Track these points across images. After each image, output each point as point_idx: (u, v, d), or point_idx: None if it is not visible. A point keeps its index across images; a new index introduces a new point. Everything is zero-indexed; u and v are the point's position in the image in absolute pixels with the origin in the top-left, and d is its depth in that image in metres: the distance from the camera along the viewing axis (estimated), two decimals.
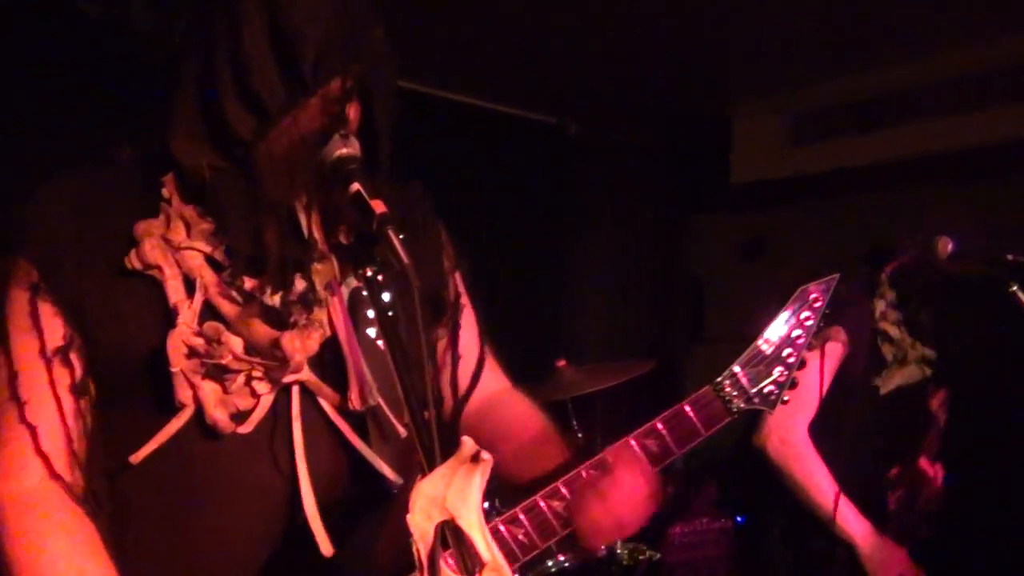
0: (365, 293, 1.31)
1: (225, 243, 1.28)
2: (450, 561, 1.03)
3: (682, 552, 3.86)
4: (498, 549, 1.06)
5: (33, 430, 1.24)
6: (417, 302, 1.11)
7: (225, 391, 1.25)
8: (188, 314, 1.24)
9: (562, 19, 4.09)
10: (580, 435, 3.50)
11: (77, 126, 3.26)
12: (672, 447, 1.46)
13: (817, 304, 1.55)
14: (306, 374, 1.29)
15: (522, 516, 1.41)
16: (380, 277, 1.21)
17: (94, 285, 1.27)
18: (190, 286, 1.26)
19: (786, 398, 1.52)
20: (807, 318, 1.54)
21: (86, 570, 1.22)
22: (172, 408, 1.25)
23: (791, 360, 1.52)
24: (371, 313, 1.33)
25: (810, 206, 5.29)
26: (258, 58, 1.23)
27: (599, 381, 3.38)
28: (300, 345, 1.26)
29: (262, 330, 1.25)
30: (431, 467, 1.05)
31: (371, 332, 1.33)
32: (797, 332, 1.53)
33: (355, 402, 1.30)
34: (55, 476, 1.24)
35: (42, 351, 1.25)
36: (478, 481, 1.03)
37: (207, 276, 1.26)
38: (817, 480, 2.39)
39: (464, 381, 1.55)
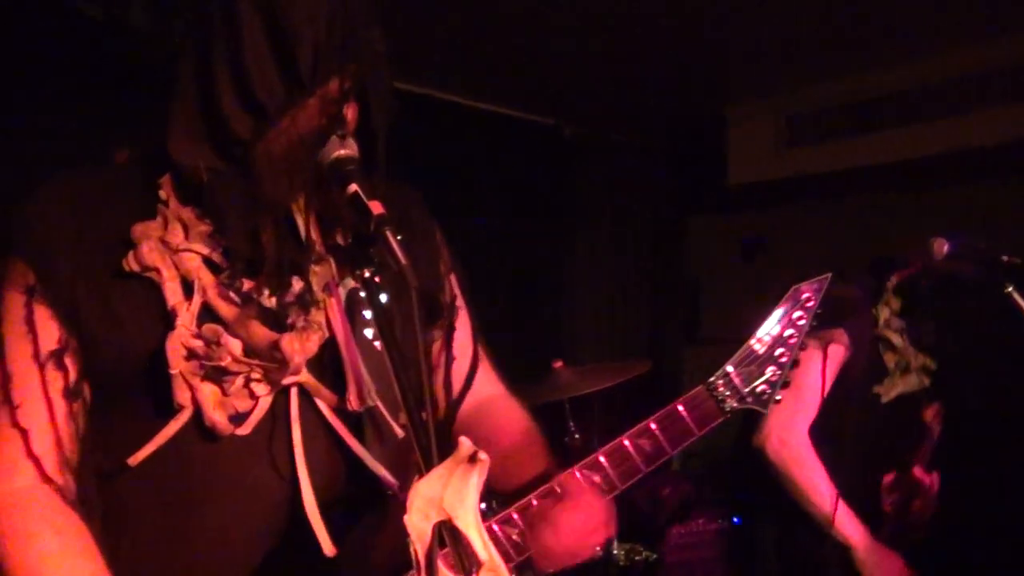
0: (363, 294, 1.32)
1: (223, 245, 1.28)
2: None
3: (679, 553, 3.87)
4: (495, 549, 1.06)
5: (25, 433, 1.24)
6: (415, 302, 1.12)
7: (224, 393, 1.26)
8: (186, 316, 1.24)
9: (560, 20, 4.09)
10: (577, 436, 3.51)
11: (76, 126, 3.27)
12: (665, 447, 1.47)
13: (809, 304, 1.55)
14: (304, 376, 1.29)
15: None
16: (378, 278, 1.22)
17: (91, 287, 1.27)
18: (188, 288, 1.26)
19: (778, 397, 1.52)
20: (799, 318, 1.54)
21: (77, 567, 1.23)
22: (170, 410, 1.25)
23: (783, 359, 1.53)
24: (368, 314, 1.33)
25: (808, 207, 5.29)
26: (257, 58, 1.23)
27: (596, 382, 3.39)
28: (299, 347, 1.26)
29: (261, 332, 1.25)
30: (428, 467, 1.06)
31: (368, 333, 1.33)
32: (789, 331, 1.54)
33: (353, 403, 1.31)
34: (46, 479, 1.25)
35: (35, 355, 1.26)
36: (475, 481, 1.03)
37: (205, 278, 1.27)
38: (815, 482, 2.38)
39: (458, 383, 1.55)
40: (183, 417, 1.25)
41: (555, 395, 3.41)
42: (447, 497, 1.02)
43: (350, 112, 1.32)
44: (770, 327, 1.54)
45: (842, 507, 2.37)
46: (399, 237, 1.13)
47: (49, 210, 1.29)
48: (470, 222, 4.82)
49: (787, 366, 1.52)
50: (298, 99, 1.25)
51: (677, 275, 6.08)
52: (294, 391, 1.30)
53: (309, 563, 1.28)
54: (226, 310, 1.26)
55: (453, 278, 1.59)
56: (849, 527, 2.37)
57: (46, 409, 1.25)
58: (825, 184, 5.12)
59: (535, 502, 1.40)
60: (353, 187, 1.18)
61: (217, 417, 1.24)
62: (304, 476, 1.27)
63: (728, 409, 1.50)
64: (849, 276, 2.58)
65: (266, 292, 1.28)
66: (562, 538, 1.37)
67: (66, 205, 1.30)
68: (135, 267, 1.26)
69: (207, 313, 1.26)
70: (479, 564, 1.02)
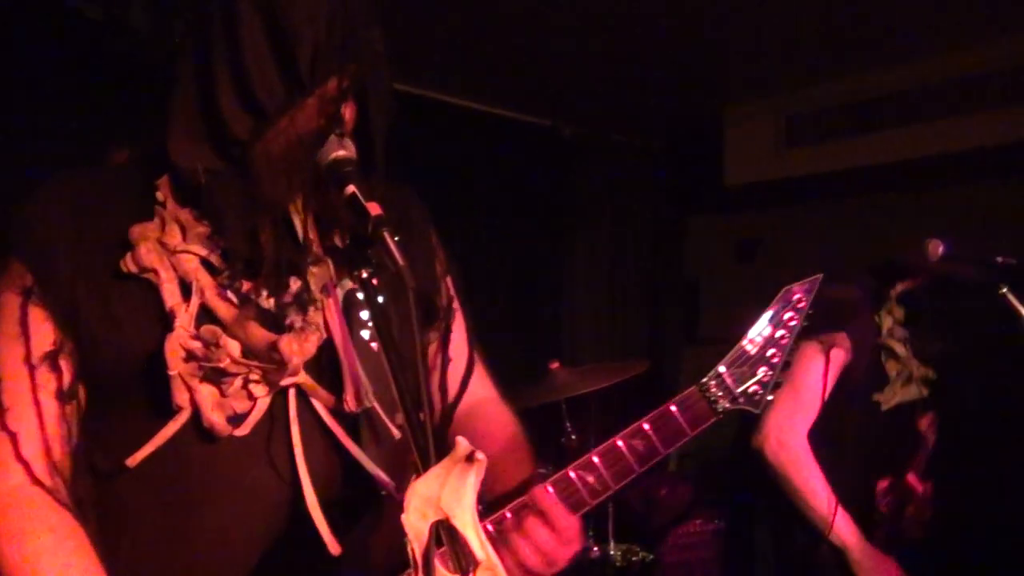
0: (360, 295, 1.32)
1: (221, 246, 1.28)
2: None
3: (676, 553, 3.88)
4: (492, 548, 1.07)
5: (14, 437, 1.24)
6: (412, 303, 1.12)
7: (222, 394, 1.26)
8: (185, 317, 1.24)
9: (558, 21, 4.09)
10: (574, 436, 3.51)
11: (76, 127, 3.27)
12: (658, 447, 1.47)
13: (800, 305, 1.56)
14: (302, 377, 1.29)
15: None
16: (375, 280, 1.22)
17: (89, 288, 1.27)
18: (186, 289, 1.26)
19: (770, 397, 1.52)
20: (791, 319, 1.55)
21: (71, 564, 1.22)
22: (169, 411, 1.25)
23: (775, 360, 1.53)
24: (365, 315, 1.33)
25: (805, 208, 5.30)
26: (256, 58, 1.23)
27: (593, 382, 3.39)
28: (297, 348, 1.26)
29: (259, 333, 1.26)
30: (426, 467, 1.06)
31: (365, 335, 1.34)
32: (781, 332, 1.54)
33: (351, 404, 1.31)
34: (36, 482, 1.25)
35: (26, 358, 1.26)
36: (472, 481, 1.04)
37: (203, 279, 1.27)
38: (813, 484, 2.39)
39: (453, 386, 1.55)
40: (181, 418, 1.25)
41: (552, 396, 3.41)
42: (444, 496, 1.02)
43: (348, 112, 1.32)
44: (761, 328, 1.54)
45: (839, 509, 2.38)
46: (396, 238, 1.14)
47: (47, 211, 1.29)
48: (468, 222, 4.83)
49: (779, 367, 1.52)
50: (297, 98, 1.25)
51: (676, 275, 6.08)
52: (292, 392, 1.30)
53: (308, 563, 1.28)
54: (224, 311, 1.26)
55: (449, 280, 1.59)
56: (845, 530, 2.38)
57: (35, 413, 1.25)
58: (824, 184, 5.12)
59: (509, 515, 1.40)
60: (351, 188, 1.19)
61: (215, 418, 1.25)
62: (305, 477, 1.27)
63: (721, 410, 1.50)
64: (849, 276, 2.59)
65: (264, 293, 1.28)
66: (531, 553, 1.36)
67: (64, 206, 1.30)
68: (133, 268, 1.26)
69: (205, 314, 1.26)
70: (476, 563, 1.02)
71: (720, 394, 1.51)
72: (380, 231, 1.14)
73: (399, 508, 1.05)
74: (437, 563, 1.02)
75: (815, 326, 2.36)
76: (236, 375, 1.26)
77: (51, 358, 1.26)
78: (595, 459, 1.45)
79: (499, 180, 5.16)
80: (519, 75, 4.77)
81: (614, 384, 3.39)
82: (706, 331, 5.80)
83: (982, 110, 4.42)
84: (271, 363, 1.26)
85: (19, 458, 1.24)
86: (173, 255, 1.27)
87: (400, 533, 1.04)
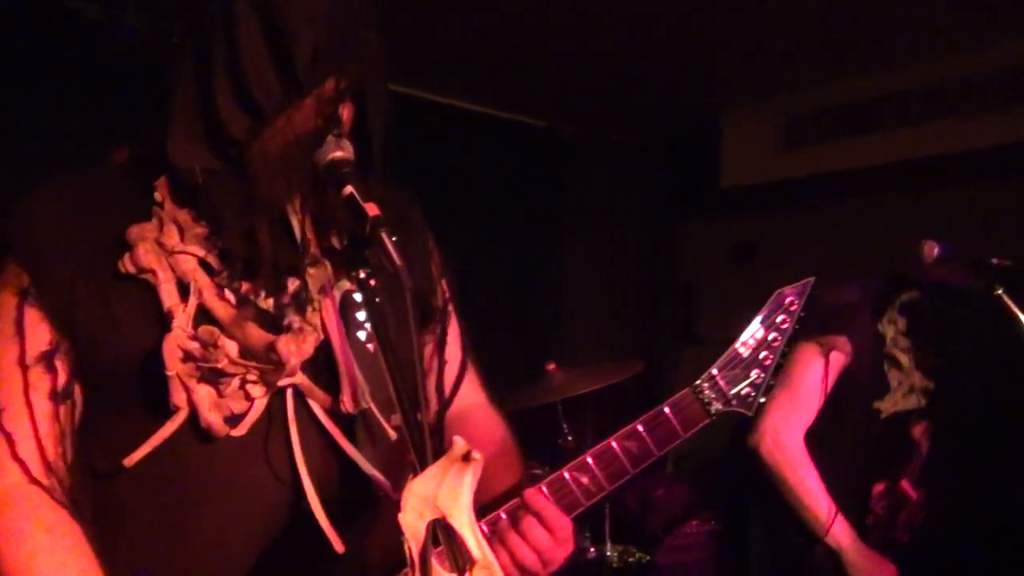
0: (357, 296, 1.33)
1: (218, 247, 1.28)
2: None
3: (672, 555, 3.88)
4: (489, 547, 1.07)
5: (10, 437, 1.24)
6: (410, 303, 1.12)
7: (219, 394, 1.26)
8: (183, 318, 1.24)
9: (556, 23, 4.10)
10: (570, 437, 3.52)
11: (74, 127, 3.27)
12: (652, 448, 1.47)
13: (793, 308, 1.57)
14: (300, 377, 1.30)
15: None
16: (373, 280, 1.22)
17: (87, 289, 1.27)
18: (184, 290, 1.26)
19: (762, 399, 1.53)
20: (783, 321, 1.56)
21: (67, 563, 1.22)
22: (166, 411, 1.25)
23: (767, 363, 1.54)
24: (362, 317, 1.34)
25: (803, 209, 5.30)
26: (253, 57, 1.24)
27: (588, 383, 3.39)
28: (295, 348, 1.26)
29: (257, 334, 1.26)
30: (423, 467, 1.07)
31: (361, 336, 1.34)
32: (773, 335, 1.55)
33: (347, 405, 1.31)
34: (33, 482, 1.25)
35: (20, 358, 1.26)
36: (469, 480, 1.04)
37: (201, 280, 1.27)
38: (808, 485, 2.39)
39: (447, 388, 1.56)
40: (179, 418, 1.25)
41: (548, 397, 3.42)
42: (441, 496, 1.03)
43: (346, 112, 1.32)
44: (754, 330, 1.55)
45: (834, 510, 2.38)
46: (394, 239, 1.14)
47: (44, 211, 1.30)
48: (466, 223, 4.82)
49: (771, 369, 1.54)
50: (294, 99, 1.25)
51: (673, 277, 6.09)
52: (290, 392, 1.30)
53: (305, 563, 1.29)
54: (222, 312, 1.26)
55: (445, 283, 1.59)
56: (840, 530, 2.38)
57: (27, 413, 1.25)
58: (821, 186, 5.12)
59: (503, 516, 1.40)
60: (349, 189, 1.19)
61: (213, 418, 1.25)
62: (306, 477, 1.28)
63: (714, 412, 1.51)
64: (848, 279, 2.60)
65: (262, 294, 1.28)
66: (527, 553, 1.37)
67: (62, 206, 1.30)
68: (131, 269, 1.26)
69: (203, 315, 1.26)
70: (473, 562, 1.03)
71: (713, 396, 1.51)
72: (378, 231, 1.14)
73: (396, 508, 1.06)
74: (434, 562, 1.02)
75: (815, 328, 2.40)
76: (234, 375, 1.26)
77: (46, 358, 1.26)
78: (589, 460, 1.46)
79: (496, 181, 5.17)
80: (517, 76, 4.78)
81: (610, 385, 3.39)
82: (703, 333, 5.80)
83: (980, 111, 4.43)
84: (268, 364, 1.26)
85: (15, 457, 1.24)
86: (171, 255, 1.27)
87: (397, 532, 1.04)
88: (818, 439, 2.42)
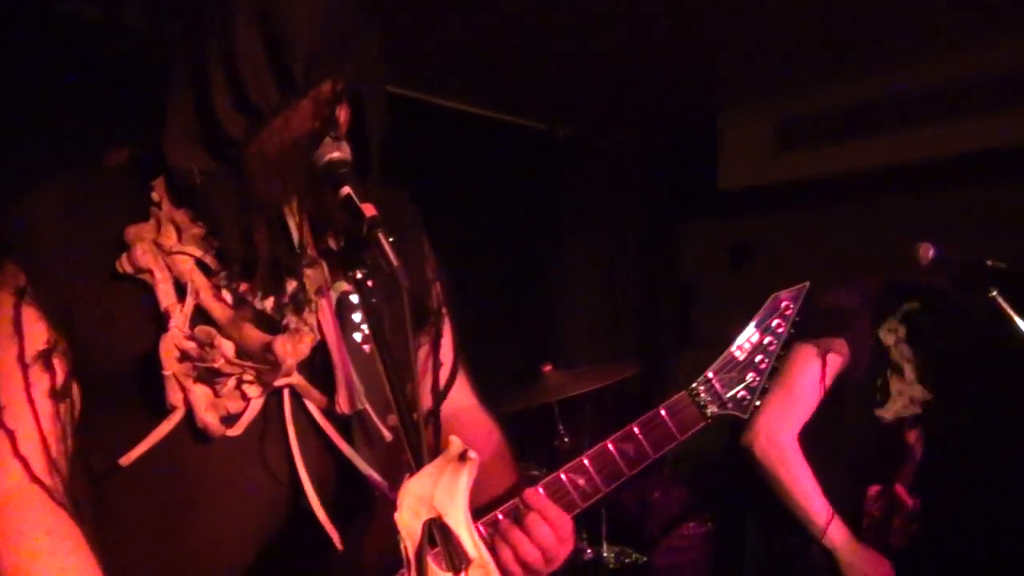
0: (354, 297, 1.33)
1: (216, 247, 1.29)
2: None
3: (669, 556, 3.89)
4: (488, 546, 1.07)
5: (11, 434, 1.25)
6: (407, 303, 1.12)
7: (216, 394, 1.26)
8: (180, 318, 1.25)
9: (553, 24, 4.10)
10: (566, 439, 3.52)
11: (72, 128, 3.27)
12: (648, 451, 1.48)
13: (788, 312, 1.58)
14: (296, 378, 1.30)
15: None
16: (370, 281, 1.23)
17: (84, 288, 1.27)
18: (181, 290, 1.27)
19: (758, 403, 1.55)
20: (778, 325, 1.57)
21: (67, 567, 1.23)
22: (162, 411, 1.25)
23: (763, 366, 1.55)
24: (358, 318, 1.34)
25: (801, 211, 5.31)
26: (250, 59, 1.24)
27: (585, 384, 3.40)
28: (291, 349, 1.26)
29: (254, 334, 1.26)
30: (419, 466, 1.07)
31: (357, 337, 1.34)
32: (768, 339, 1.57)
33: (343, 406, 1.31)
34: (35, 479, 1.25)
35: (20, 357, 1.26)
36: (465, 479, 1.05)
37: (198, 280, 1.27)
38: (801, 483, 2.40)
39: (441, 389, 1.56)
40: (175, 418, 1.26)
41: (544, 398, 3.42)
42: (437, 495, 1.03)
43: (343, 114, 1.32)
44: (750, 334, 1.57)
45: (829, 509, 2.39)
46: (391, 239, 1.14)
47: (42, 211, 1.30)
48: (464, 225, 4.83)
49: (766, 372, 1.55)
50: (291, 100, 1.25)
51: (671, 278, 6.09)
52: (287, 393, 1.30)
53: (302, 563, 1.29)
54: (219, 312, 1.26)
55: (439, 286, 1.60)
56: (834, 529, 2.39)
57: (30, 411, 1.26)
58: (819, 188, 5.13)
59: (501, 516, 1.41)
60: (346, 189, 1.19)
61: (209, 418, 1.25)
62: (305, 476, 1.28)
63: (710, 415, 1.52)
64: (847, 281, 2.60)
65: (259, 294, 1.29)
66: (532, 549, 1.37)
67: (59, 206, 1.30)
68: (128, 269, 1.26)
69: (200, 315, 1.26)
70: (468, 561, 1.03)
71: (709, 399, 1.53)
72: (375, 232, 1.14)
73: (392, 508, 1.06)
74: (430, 561, 1.02)
75: (813, 329, 2.40)
76: (230, 375, 1.26)
77: (44, 357, 1.27)
78: (586, 462, 1.47)
79: (495, 183, 5.17)
80: (515, 78, 4.78)
81: (608, 387, 3.39)
82: (700, 334, 5.80)
83: (978, 113, 4.43)
84: (265, 364, 1.26)
85: (17, 455, 1.24)
86: (168, 256, 1.27)
87: (393, 532, 1.05)
88: (813, 440, 2.43)
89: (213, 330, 1.25)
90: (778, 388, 2.38)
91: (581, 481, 1.46)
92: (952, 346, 2.58)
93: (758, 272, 5.45)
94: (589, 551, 3.53)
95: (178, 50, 1.31)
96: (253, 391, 1.28)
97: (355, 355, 1.33)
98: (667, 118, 5.52)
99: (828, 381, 2.43)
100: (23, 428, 1.25)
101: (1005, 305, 2.21)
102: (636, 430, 1.48)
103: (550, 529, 1.38)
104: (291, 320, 1.29)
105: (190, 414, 1.25)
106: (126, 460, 1.27)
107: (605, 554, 3.54)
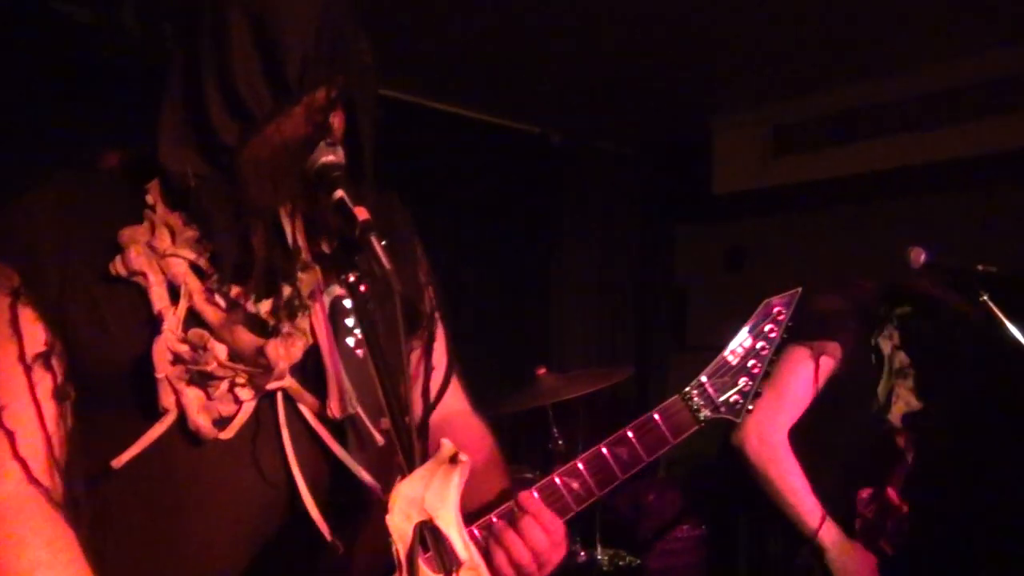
0: (347, 301, 1.33)
1: (209, 250, 1.29)
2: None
3: (663, 558, 3.89)
4: (482, 548, 1.08)
5: (11, 435, 1.24)
6: (399, 307, 1.13)
7: (208, 397, 1.26)
8: (173, 320, 1.25)
9: (547, 29, 4.11)
10: (561, 442, 3.53)
11: (65, 131, 3.26)
12: (641, 454, 1.49)
13: (780, 317, 1.59)
14: (288, 381, 1.30)
15: None
16: (363, 286, 1.23)
17: (77, 290, 1.27)
18: (174, 293, 1.27)
19: (750, 407, 1.56)
20: (771, 330, 1.59)
21: None
22: (155, 413, 1.25)
23: (755, 371, 1.57)
24: (350, 322, 1.34)
25: (794, 216, 5.33)
26: (244, 65, 1.24)
27: (579, 388, 3.40)
28: (284, 353, 1.27)
29: (247, 337, 1.26)
30: (410, 469, 1.07)
31: (350, 341, 1.34)
32: (761, 344, 1.58)
33: (335, 410, 1.31)
34: (33, 481, 1.24)
35: (21, 356, 1.25)
36: (456, 482, 1.05)
37: (191, 283, 1.27)
38: (793, 482, 2.40)
39: (432, 394, 1.55)
40: (167, 421, 1.26)
41: (539, 401, 3.43)
42: (428, 498, 1.03)
43: (336, 120, 1.33)
44: (742, 339, 1.58)
45: (819, 509, 2.40)
46: (384, 243, 1.15)
47: (35, 213, 1.30)
48: (458, 229, 4.84)
49: (759, 377, 1.57)
50: (284, 106, 1.26)
51: (665, 283, 6.10)
52: (279, 396, 1.30)
53: (295, 566, 1.29)
54: (212, 315, 1.26)
55: (431, 290, 1.60)
56: (825, 530, 2.40)
57: (34, 411, 1.25)
58: (812, 193, 5.15)
59: (495, 520, 1.41)
60: (339, 193, 1.20)
61: (201, 421, 1.25)
62: (300, 479, 1.28)
63: (703, 418, 1.54)
64: (835, 287, 2.61)
65: (252, 298, 1.29)
66: (525, 552, 1.38)
67: (54, 208, 1.30)
68: (122, 271, 1.26)
69: (193, 318, 1.26)
70: (459, 563, 1.03)
71: (702, 403, 1.54)
72: (367, 236, 1.15)
73: (384, 511, 1.06)
74: (421, 563, 1.03)
75: (807, 332, 2.41)
76: (223, 379, 1.26)
77: (44, 358, 1.26)
78: (580, 466, 1.48)
79: (488, 187, 5.18)
80: (509, 82, 4.79)
81: (602, 390, 3.40)
82: (694, 339, 5.82)
83: (970, 119, 4.46)
84: (257, 367, 1.26)
85: (16, 457, 1.24)
86: (162, 258, 1.27)
87: (385, 535, 1.05)
88: (806, 442, 2.44)
89: (206, 333, 1.25)
90: (770, 389, 2.38)
91: (575, 485, 1.46)
92: (943, 350, 2.59)
93: (753, 276, 5.46)
94: (583, 554, 3.54)
95: (172, 54, 1.31)
96: (245, 394, 1.28)
97: (348, 359, 1.33)
98: (663, 122, 5.53)
99: (820, 383, 2.44)
100: (24, 429, 1.25)
101: (996, 309, 2.22)
102: (630, 434, 1.49)
103: (544, 533, 1.38)
104: (284, 324, 1.29)
105: (182, 417, 1.25)
106: (118, 463, 1.27)
107: (599, 557, 3.54)
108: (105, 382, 1.28)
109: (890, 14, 3.88)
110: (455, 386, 1.63)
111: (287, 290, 1.30)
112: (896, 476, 2.60)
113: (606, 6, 3.87)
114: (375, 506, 1.30)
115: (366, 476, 1.33)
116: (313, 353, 1.32)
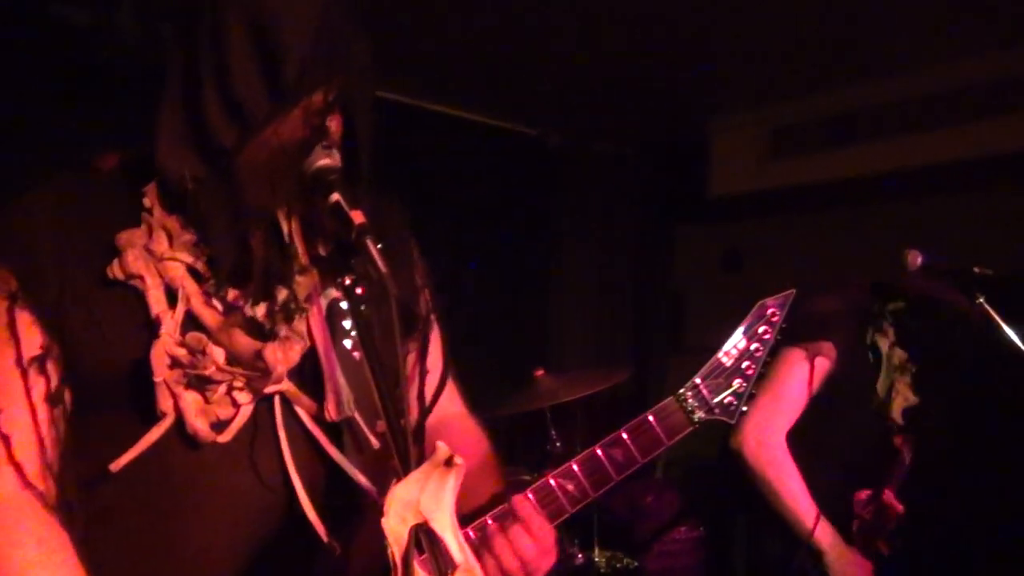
0: (343, 304, 1.33)
1: (207, 254, 1.29)
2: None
3: (660, 560, 3.89)
4: (472, 552, 1.08)
5: (7, 440, 1.24)
6: (395, 310, 1.13)
7: (206, 401, 1.26)
8: (171, 324, 1.25)
9: (544, 31, 4.11)
10: (558, 443, 3.53)
11: (62, 134, 3.26)
12: (636, 456, 1.50)
13: (775, 319, 1.60)
14: (286, 384, 1.30)
15: None
16: (359, 289, 1.23)
17: (75, 294, 1.27)
18: (172, 296, 1.27)
19: (744, 408, 1.56)
20: (765, 332, 1.59)
21: None
22: (152, 417, 1.25)
23: (750, 372, 1.57)
24: (347, 325, 1.34)
25: (791, 219, 5.33)
26: (241, 68, 1.24)
27: (577, 389, 3.40)
28: (282, 356, 1.27)
29: (244, 341, 1.26)
30: (406, 472, 1.08)
31: (347, 344, 1.35)
32: (755, 345, 1.59)
33: (331, 413, 1.32)
34: (27, 485, 1.24)
35: (18, 360, 1.26)
36: (451, 485, 1.05)
37: (189, 286, 1.27)
38: (790, 486, 2.41)
39: (428, 396, 1.55)
40: (165, 424, 1.26)
41: (536, 403, 3.43)
42: (424, 500, 1.03)
43: (334, 123, 1.32)
44: (736, 341, 1.59)
45: (817, 511, 2.40)
46: (379, 246, 1.15)
47: (34, 215, 1.30)
48: (455, 231, 4.84)
49: (752, 379, 1.57)
50: (282, 109, 1.26)
51: (661, 285, 6.10)
52: (277, 399, 1.31)
53: (292, 568, 1.30)
54: (210, 319, 1.26)
55: (427, 293, 1.60)
56: (821, 532, 2.40)
57: (29, 415, 1.25)
58: (809, 196, 5.15)
59: (490, 522, 1.42)
60: (335, 196, 1.20)
61: (199, 424, 1.25)
62: (298, 482, 1.29)
63: (697, 420, 1.54)
64: (831, 287, 2.62)
65: (250, 301, 1.29)
66: (512, 559, 1.38)
67: (51, 211, 1.30)
68: (119, 275, 1.26)
69: (191, 322, 1.26)
70: (454, 566, 1.03)
71: (696, 404, 1.54)
72: (363, 239, 1.15)
73: (380, 513, 1.07)
74: (417, 566, 1.03)
75: (802, 333, 2.41)
76: (220, 382, 1.26)
77: (39, 361, 1.27)
78: (575, 467, 1.48)
79: (485, 189, 5.18)
80: (505, 84, 4.79)
81: (600, 392, 3.40)
82: (691, 341, 5.82)
83: (967, 121, 4.46)
84: (255, 371, 1.27)
85: (11, 460, 1.24)
86: (160, 262, 1.28)
87: (381, 537, 1.05)
88: (803, 443, 2.44)
89: (204, 337, 1.25)
90: (767, 391, 2.39)
91: (570, 486, 1.47)
92: (939, 352, 2.59)
93: (752, 277, 5.46)
94: (580, 556, 3.53)
95: (171, 55, 1.31)
96: (243, 398, 1.28)
97: (345, 362, 1.33)
98: (661, 124, 5.53)
99: (816, 384, 2.45)
100: (19, 432, 1.25)
101: (992, 311, 2.22)
102: (624, 435, 1.50)
103: (532, 541, 1.38)
104: (281, 327, 1.29)
105: (180, 421, 1.25)
106: (116, 466, 1.27)
107: (596, 559, 3.54)
108: (103, 385, 1.28)
109: (889, 15, 3.88)
110: (451, 389, 1.63)
111: (284, 293, 1.30)
112: (893, 477, 2.61)
113: (604, 7, 3.88)
114: (371, 509, 1.30)
115: (362, 479, 1.33)
116: (311, 356, 1.32)
